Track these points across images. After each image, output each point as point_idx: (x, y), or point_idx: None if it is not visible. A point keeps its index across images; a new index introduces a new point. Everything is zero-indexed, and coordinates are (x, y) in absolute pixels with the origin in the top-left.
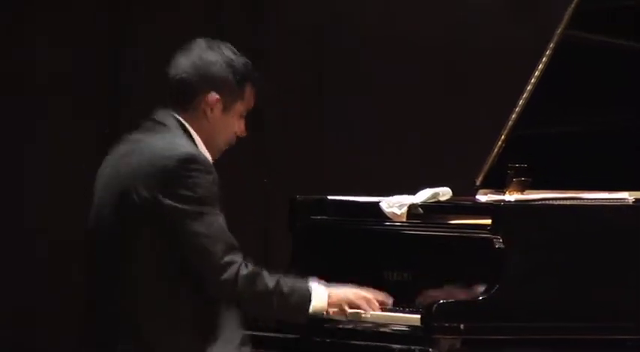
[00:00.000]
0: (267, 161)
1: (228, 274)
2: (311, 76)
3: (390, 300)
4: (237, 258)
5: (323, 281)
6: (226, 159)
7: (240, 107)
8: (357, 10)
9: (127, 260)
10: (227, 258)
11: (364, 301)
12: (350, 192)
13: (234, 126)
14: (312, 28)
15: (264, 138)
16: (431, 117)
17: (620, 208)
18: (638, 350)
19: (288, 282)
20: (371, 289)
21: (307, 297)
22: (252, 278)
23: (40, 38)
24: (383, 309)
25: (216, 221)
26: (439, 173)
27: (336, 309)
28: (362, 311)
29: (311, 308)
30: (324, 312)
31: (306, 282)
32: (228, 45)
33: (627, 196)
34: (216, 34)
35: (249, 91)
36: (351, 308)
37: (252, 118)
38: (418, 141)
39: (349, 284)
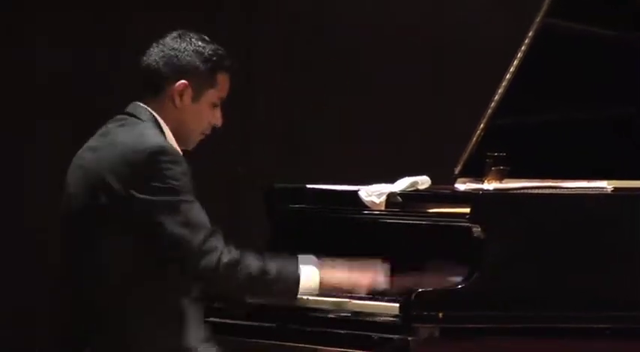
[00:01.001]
0: (245, 150)
1: (208, 261)
2: (292, 68)
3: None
4: (218, 243)
5: (317, 260)
6: (202, 147)
7: (212, 95)
8: (349, 5)
9: (99, 253)
10: (207, 245)
11: (360, 284)
12: (328, 180)
13: (206, 115)
14: (303, 22)
15: (243, 126)
16: (409, 106)
17: (599, 197)
18: (618, 338)
19: (275, 267)
20: (371, 269)
21: (296, 280)
22: (234, 265)
23: (41, 38)
24: (362, 297)
25: (192, 208)
26: (418, 161)
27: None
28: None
29: (300, 291)
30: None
31: (296, 265)
32: (201, 35)
33: (606, 185)
34: (216, 34)
35: (221, 79)
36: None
37: (233, 106)
38: (397, 129)
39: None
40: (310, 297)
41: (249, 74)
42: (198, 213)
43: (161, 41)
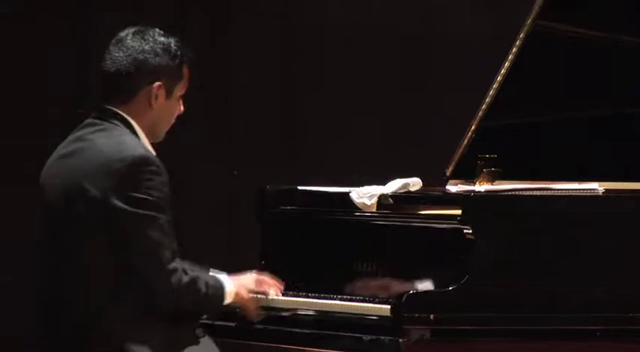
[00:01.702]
0: (236, 152)
1: (173, 281)
2: (280, 68)
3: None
4: (179, 264)
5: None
6: (195, 150)
7: (180, 89)
8: (342, 4)
9: (78, 259)
10: (172, 265)
11: (265, 285)
12: (320, 182)
13: (176, 108)
14: (280, 19)
15: (234, 126)
16: (401, 108)
17: (590, 199)
18: (608, 339)
19: (210, 281)
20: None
21: (222, 290)
22: (191, 284)
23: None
24: (353, 299)
25: (165, 226)
26: (409, 163)
27: (242, 297)
28: (335, 302)
29: (225, 299)
30: (232, 301)
31: (221, 281)
32: (157, 30)
33: (597, 187)
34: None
35: (185, 70)
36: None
37: (221, 109)
38: (389, 131)
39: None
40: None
41: (232, 75)
42: (169, 230)
43: (122, 44)
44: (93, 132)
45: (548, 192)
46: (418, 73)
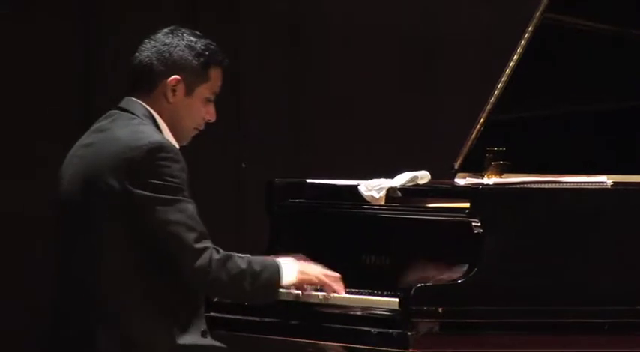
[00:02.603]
0: (245, 144)
1: (203, 260)
2: (288, 61)
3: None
4: (209, 244)
5: (293, 259)
6: (204, 142)
7: (205, 90)
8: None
9: (95, 249)
10: (200, 244)
11: (333, 281)
12: (328, 175)
13: (200, 110)
14: (290, 14)
15: (242, 120)
16: (409, 100)
17: (599, 192)
18: (616, 333)
19: (258, 260)
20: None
21: (277, 273)
22: (225, 261)
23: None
24: (361, 292)
25: (188, 208)
26: (418, 156)
27: (305, 285)
28: (330, 294)
29: (282, 282)
30: (294, 288)
31: (275, 259)
32: (193, 31)
33: (606, 180)
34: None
35: (214, 74)
36: (318, 285)
37: (230, 101)
38: (397, 124)
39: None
40: (295, 291)
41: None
42: (192, 212)
43: (153, 37)
44: (112, 122)
45: (557, 185)
46: (426, 66)
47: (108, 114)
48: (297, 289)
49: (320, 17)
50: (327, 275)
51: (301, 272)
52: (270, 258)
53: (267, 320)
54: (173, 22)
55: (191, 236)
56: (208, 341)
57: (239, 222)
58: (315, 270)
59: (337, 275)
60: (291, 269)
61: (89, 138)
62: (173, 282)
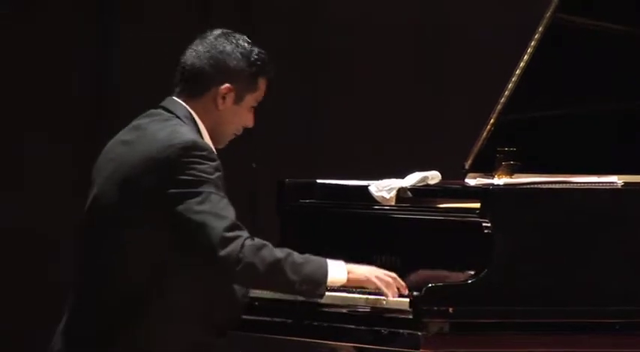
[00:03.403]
0: (255, 145)
1: (233, 246)
2: (299, 61)
3: (405, 290)
4: (243, 233)
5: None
6: None
7: (252, 99)
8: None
9: (124, 247)
10: (231, 233)
11: (385, 283)
12: (339, 175)
13: (244, 117)
14: (301, 16)
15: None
16: (420, 101)
17: (609, 192)
18: (627, 333)
19: (300, 254)
20: (392, 274)
21: (324, 267)
22: (259, 247)
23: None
24: (371, 293)
25: (221, 200)
26: (428, 156)
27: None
28: (381, 297)
29: (329, 279)
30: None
31: (320, 257)
32: (244, 36)
33: (616, 180)
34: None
35: (262, 83)
36: (370, 286)
37: None
38: (407, 124)
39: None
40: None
41: None
42: (226, 205)
43: (205, 40)
44: (151, 122)
45: (567, 186)
46: (437, 67)
47: (149, 112)
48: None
49: (332, 16)
50: (380, 278)
51: (351, 272)
52: (316, 257)
53: (277, 320)
54: (180, 21)
55: (221, 224)
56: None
57: (250, 222)
58: (365, 270)
59: (392, 274)
60: (340, 267)
61: (127, 134)
62: (201, 282)
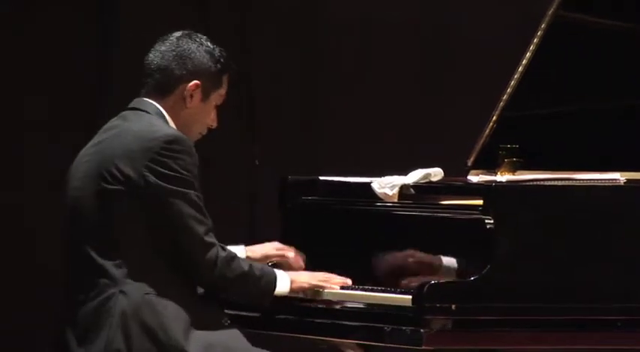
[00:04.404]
0: (258, 142)
1: (211, 253)
2: (302, 58)
3: (348, 281)
4: (215, 240)
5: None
6: (217, 140)
7: (217, 96)
8: None
9: (111, 239)
10: (208, 239)
11: (324, 281)
12: (341, 172)
13: (209, 116)
14: (304, 11)
15: (256, 118)
16: (423, 98)
17: (612, 189)
18: (629, 329)
19: (257, 266)
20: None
21: (273, 281)
22: (230, 260)
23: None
24: (374, 290)
25: (198, 202)
26: (431, 153)
27: (301, 285)
28: (356, 292)
29: (276, 291)
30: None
31: (271, 268)
32: (205, 36)
33: (619, 177)
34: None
35: (225, 80)
36: (312, 288)
37: (244, 100)
38: (409, 121)
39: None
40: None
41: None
42: (201, 206)
43: (168, 40)
44: (124, 120)
45: (570, 182)
46: (439, 64)
47: (119, 115)
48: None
49: (335, 14)
50: (318, 280)
51: (293, 282)
52: (268, 267)
53: (280, 317)
54: (181, 19)
55: (201, 229)
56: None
57: (252, 219)
58: (306, 277)
59: (328, 274)
60: (285, 280)
61: (99, 137)
62: (188, 272)
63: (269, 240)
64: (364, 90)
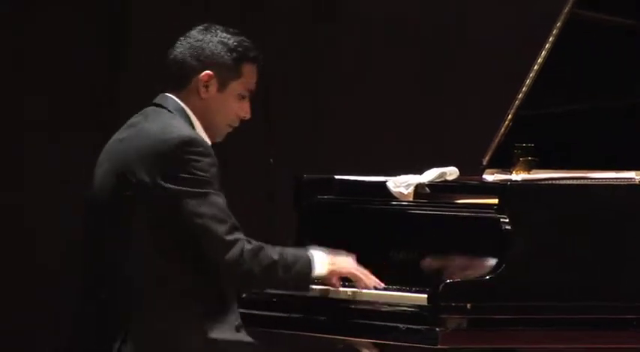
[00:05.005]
0: (273, 140)
1: (234, 252)
2: (314, 58)
3: (381, 284)
4: (240, 235)
5: (323, 248)
6: (232, 139)
7: (238, 86)
8: None
9: (125, 245)
10: (231, 237)
11: (363, 276)
12: (357, 171)
13: (232, 106)
14: (314, 11)
15: (271, 117)
16: (437, 96)
17: (627, 188)
18: None
19: (290, 251)
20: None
21: (309, 264)
22: (257, 251)
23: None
24: (389, 288)
25: (218, 201)
26: (446, 152)
27: (335, 278)
28: (357, 289)
29: (314, 274)
30: (325, 279)
31: (307, 250)
32: (228, 28)
33: (634, 176)
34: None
35: (247, 70)
36: (349, 278)
37: (259, 98)
38: (424, 120)
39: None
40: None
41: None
42: (222, 205)
43: (187, 34)
44: (144, 118)
45: (585, 181)
46: (454, 59)
47: (142, 110)
48: (327, 281)
49: (345, 15)
50: (358, 270)
51: (331, 264)
52: (303, 250)
53: (295, 316)
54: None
55: (222, 228)
56: (242, 336)
57: (268, 218)
58: (346, 263)
59: (367, 272)
60: (323, 261)
61: (122, 133)
62: (206, 276)
63: (285, 241)
64: (379, 88)
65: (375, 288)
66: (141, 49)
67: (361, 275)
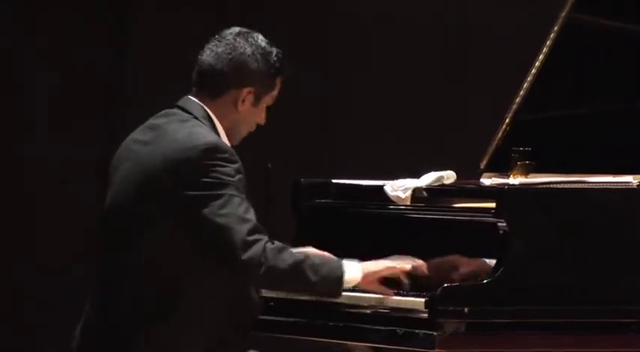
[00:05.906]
0: (271, 144)
1: (255, 249)
2: (315, 59)
3: (424, 267)
4: (263, 237)
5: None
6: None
7: (269, 99)
8: None
9: (144, 251)
10: (253, 237)
11: (401, 265)
12: (354, 175)
13: (260, 117)
14: (314, 12)
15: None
16: (435, 100)
17: (625, 192)
18: None
19: (317, 254)
20: (404, 257)
21: (339, 268)
22: (281, 249)
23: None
24: (387, 293)
25: (243, 203)
26: (443, 156)
27: (376, 283)
28: (356, 294)
29: (345, 278)
30: (367, 285)
31: (333, 256)
32: (261, 35)
33: (632, 180)
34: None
35: (279, 82)
36: (390, 275)
37: None
38: (422, 124)
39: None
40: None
41: None
42: (247, 208)
43: (224, 40)
44: (168, 122)
45: (582, 185)
46: (452, 67)
47: (165, 112)
48: (372, 287)
49: (347, 15)
50: (392, 271)
51: (365, 267)
52: (332, 256)
53: (292, 320)
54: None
55: (243, 227)
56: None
57: (265, 222)
58: (377, 263)
59: (404, 265)
60: (354, 265)
61: (143, 134)
62: (222, 287)
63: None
64: (377, 92)
65: (414, 270)
66: (141, 49)
67: (400, 266)
